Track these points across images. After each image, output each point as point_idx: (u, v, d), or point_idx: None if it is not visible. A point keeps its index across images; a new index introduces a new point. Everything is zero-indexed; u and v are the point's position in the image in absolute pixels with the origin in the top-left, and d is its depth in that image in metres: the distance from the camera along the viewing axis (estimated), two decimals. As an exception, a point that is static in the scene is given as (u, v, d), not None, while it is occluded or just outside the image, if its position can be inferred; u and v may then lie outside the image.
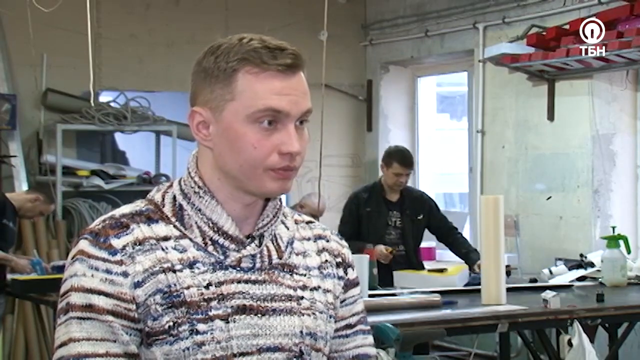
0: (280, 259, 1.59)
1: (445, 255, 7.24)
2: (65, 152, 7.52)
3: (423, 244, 6.32)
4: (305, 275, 1.61)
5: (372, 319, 3.99)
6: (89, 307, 1.48)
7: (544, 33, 6.69)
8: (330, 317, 1.63)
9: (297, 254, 1.63)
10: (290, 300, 1.57)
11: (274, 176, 1.52)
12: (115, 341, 1.48)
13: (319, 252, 1.66)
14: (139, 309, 1.49)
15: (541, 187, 7.04)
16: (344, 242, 1.73)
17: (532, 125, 7.11)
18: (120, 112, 7.63)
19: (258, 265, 1.56)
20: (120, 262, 1.49)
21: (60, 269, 5.96)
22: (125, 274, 1.49)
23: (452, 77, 8.89)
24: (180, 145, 8.00)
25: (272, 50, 1.51)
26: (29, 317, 6.85)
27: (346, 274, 1.69)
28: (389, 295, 4.82)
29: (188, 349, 1.49)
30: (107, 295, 1.48)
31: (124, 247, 1.50)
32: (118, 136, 8.28)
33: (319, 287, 1.62)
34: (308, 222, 1.70)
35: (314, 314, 1.59)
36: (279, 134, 1.51)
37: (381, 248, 5.73)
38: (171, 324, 1.49)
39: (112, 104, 7.74)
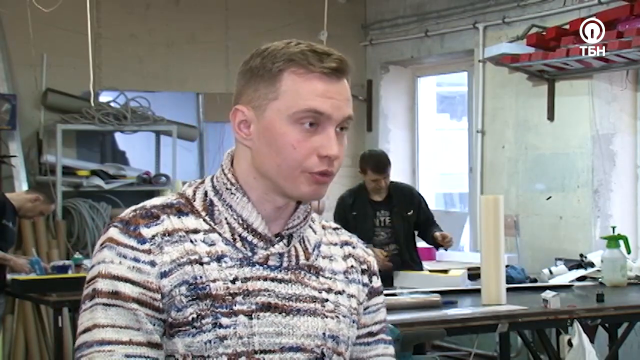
0: (307, 260, 1.60)
1: (445, 255, 7.24)
2: (65, 152, 7.52)
3: (424, 244, 6.29)
4: (330, 278, 1.61)
5: (372, 319, 4.00)
6: (115, 294, 1.48)
7: (544, 33, 6.69)
8: (353, 322, 1.62)
9: (323, 257, 1.63)
10: (314, 301, 1.57)
11: (310, 179, 1.52)
12: (139, 329, 1.48)
13: (345, 257, 1.66)
14: (164, 299, 1.49)
15: (541, 187, 7.04)
16: (369, 251, 1.73)
17: (532, 125, 7.11)
18: (120, 112, 7.63)
19: (285, 264, 1.56)
20: (148, 251, 1.50)
21: (60, 269, 5.97)
22: (152, 263, 1.50)
23: (452, 77, 8.89)
24: (180, 145, 8.01)
25: (319, 54, 1.53)
26: (29, 317, 6.84)
27: (371, 282, 1.69)
28: (389, 295, 4.82)
29: (210, 341, 1.49)
30: (133, 283, 1.49)
31: (153, 237, 1.51)
32: (118, 136, 8.29)
33: (344, 291, 1.62)
34: (335, 229, 1.70)
35: (337, 317, 1.58)
36: (319, 136, 1.52)
37: (377, 255, 5.68)
38: (195, 315, 1.49)
39: (112, 104, 7.74)
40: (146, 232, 1.51)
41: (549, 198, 6.97)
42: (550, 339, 5.01)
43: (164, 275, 1.50)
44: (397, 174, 8.66)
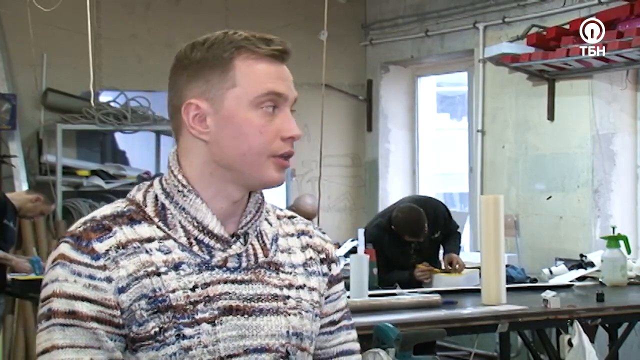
0: (266, 257, 1.57)
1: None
2: (65, 152, 7.52)
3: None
4: (290, 273, 1.59)
5: (372, 319, 4.00)
6: (72, 314, 1.45)
7: (544, 33, 6.69)
8: (315, 316, 1.61)
9: (282, 252, 1.60)
10: (276, 300, 1.55)
11: (276, 164, 1.51)
12: (99, 348, 1.45)
13: (303, 248, 1.64)
14: (124, 314, 1.46)
15: (541, 187, 7.04)
16: (327, 237, 1.71)
17: (532, 125, 7.11)
18: (120, 112, 7.63)
19: (244, 264, 1.54)
20: (103, 267, 1.46)
21: (60, 268, 5.96)
22: (109, 280, 1.45)
23: (452, 77, 8.89)
24: (180, 145, 8.00)
25: (263, 39, 1.53)
26: (29, 317, 6.85)
27: (330, 270, 1.67)
28: (389, 295, 4.82)
29: (175, 354, 1.47)
30: (90, 301, 1.45)
31: (107, 252, 1.46)
32: (118, 136, 8.29)
33: (305, 285, 1.60)
34: (290, 217, 1.68)
35: (300, 313, 1.57)
36: (278, 119, 1.51)
37: (422, 269, 5.83)
38: (157, 329, 1.46)
39: (112, 104, 7.74)
40: (99, 246, 1.46)
41: (549, 198, 6.97)
42: (550, 339, 5.01)
43: (121, 290, 1.46)
44: (397, 174, 8.67)
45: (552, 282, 5.62)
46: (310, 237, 1.67)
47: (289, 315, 1.56)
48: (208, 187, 1.53)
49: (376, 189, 8.61)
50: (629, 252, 5.70)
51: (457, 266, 5.94)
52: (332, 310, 1.68)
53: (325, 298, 1.66)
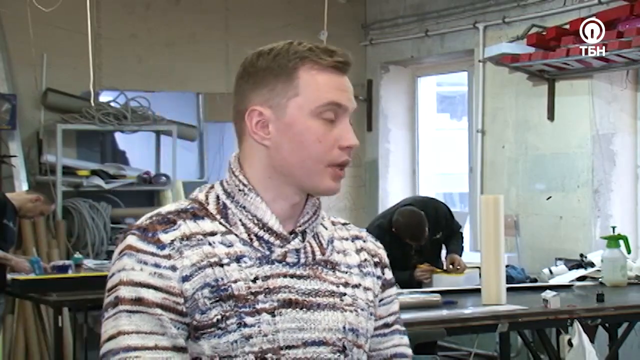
0: (323, 255, 1.62)
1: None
2: (65, 152, 7.52)
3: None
4: (346, 272, 1.64)
5: (372, 319, 4.00)
6: (138, 301, 1.50)
7: (544, 33, 6.69)
8: (370, 315, 1.66)
9: (338, 252, 1.66)
10: (333, 296, 1.59)
11: (333, 174, 1.58)
12: (164, 334, 1.50)
13: (358, 251, 1.70)
14: (187, 302, 1.51)
15: (541, 187, 7.04)
16: (379, 244, 1.76)
17: (532, 125, 7.11)
18: (120, 112, 7.63)
19: (303, 260, 1.59)
20: (168, 256, 1.52)
21: (60, 268, 5.96)
22: (173, 268, 1.51)
23: (452, 77, 8.89)
24: (180, 145, 8.01)
25: (326, 50, 1.58)
26: (29, 317, 6.85)
27: (383, 274, 1.73)
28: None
29: (236, 341, 1.51)
30: (156, 288, 1.51)
31: (171, 242, 1.53)
32: (118, 136, 8.29)
33: (360, 284, 1.65)
34: (344, 224, 1.74)
35: (355, 310, 1.62)
36: (337, 129, 1.57)
37: (423, 269, 5.84)
38: (219, 317, 1.51)
39: (112, 104, 7.74)
40: (164, 237, 1.53)
41: (549, 198, 6.96)
42: (550, 339, 5.01)
43: (185, 279, 1.51)
44: (397, 174, 8.67)
45: (552, 282, 5.62)
46: (364, 241, 1.73)
47: (345, 311, 1.60)
48: (267, 190, 1.59)
49: (376, 189, 8.61)
50: (629, 252, 5.70)
51: (458, 267, 5.94)
52: (386, 314, 1.73)
53: (380, 301, 1.71)
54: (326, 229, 1.67)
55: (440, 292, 4.83)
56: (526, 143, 7.17)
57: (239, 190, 1.59)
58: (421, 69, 8.68)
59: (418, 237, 5.75)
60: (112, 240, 7.63)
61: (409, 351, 1.76)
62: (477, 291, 4.86)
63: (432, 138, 8.83)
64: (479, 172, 7.58)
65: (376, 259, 1.72)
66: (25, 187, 7.12)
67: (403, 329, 1.76)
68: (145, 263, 1.51)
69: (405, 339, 1.75)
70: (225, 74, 8.18)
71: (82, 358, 6.61)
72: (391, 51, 8.50)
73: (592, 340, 4.60)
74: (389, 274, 1.74)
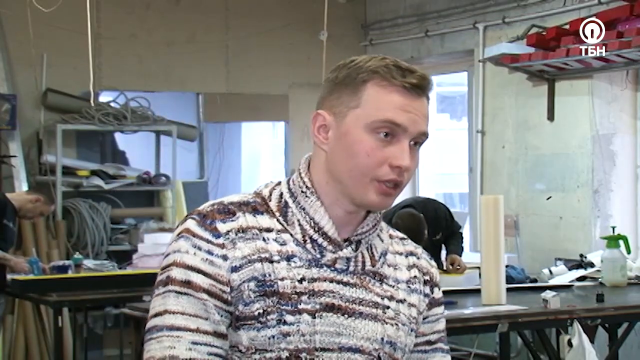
0: (373, 266, 1.65)
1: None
2: (65, 152, 7.52)
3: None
4: (393, 286, 1.67)
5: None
6: (188, 284, 1.55)
7: (544, 33, 6.69)
8: (411, 331, 1.67)
9: (389, 266, 1.68)
10: (376, 307, 1.62)
11: (378, 188, 1.58)
12: (207, 319, 1.54)
13: (409, 267, 1.72)
14: (233, 292, 1.55)
15: (541, 187, 7.04)
16: (433, 262, 1.79)
17: (532, 125, 7.11)
18: (120, 112, 7.63)
19: (352, 268, 1.62)
20: (222, 246, 1.56)
21: (60, 269, 5.97)
22: (225, 257, 1.56)
23: (452, 77, 8.89)
24: (180, 145, 8.01)
25: (402, 70, 1.61)
26: (29, 317, 6.85)
27: (432, 292, 1.74)
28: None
29: (274, 337, 1.55)
30: (205, 274, 1.55)
31: (227, 232, 1.57)
32: (118, 136, 8.29)
33: (405, 300, 1.67)
34: (402, 239, 1.77)
35: (396, 324, 1.64)
36: (393, 147, 1.58)
37: None
38: (261, 311, 1.55)
39: (112, 104, 7.74)
40: (222, 227, 1.57)
41: (549, 198, 6.97)
42: (550, 339, 5.01)
43: (234, 269, 1.55)
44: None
45: (552, 282, 5.62)
46: (418, 258, 1.76)
47: (386, 324, 1.62)
48: (327, 194, 1.62)
49: (376, 189, 8.60)
50: (628, 252, 5.70)
51: (458, 267, 5.94)
52: (430, 331, 1.74)
53: (424, 318, 1.73)
54: (382, 241, 1.70)
55: (440, 292, 4.83)
56: (526, 143, 7.17)
57: (302, 191, 1.62)
58: (421, 69, 8.67)
59: (417, 240, 5.72)
60: (112, 240, 7.63)
61: None
62: (477, 291, 4.86)
63: (432, 138, 8.79)
64: (479, 173, 7.58)
65: (427, 277, 1.74)
66: (25, 187, 7.12)
67: (446, 347, 1.77)
68: (200, 248, 1.56)
69: (448, 358, 1.77)
70: (225, 74, 8.19)
71: (82, 358, 6.61)
72: (391, 51, 8.50)
73: (592, 341, 4.60)
74: (438, 294, 1.76)
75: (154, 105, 7.86)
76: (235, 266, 1.56)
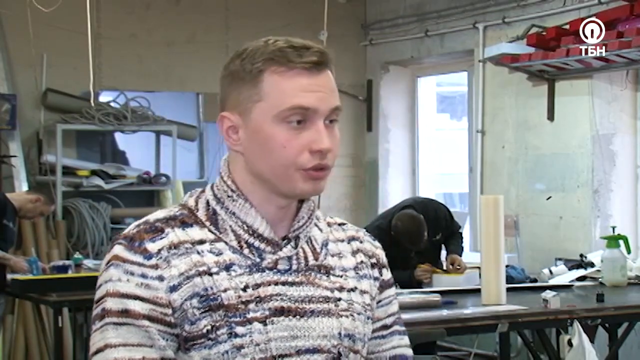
0: (317, 260, 1.59)
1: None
2: (65, 152, 7.52)
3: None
4: (341, 276, 1.61)
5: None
6: (125, 313, 1.47)
7: (544, 33, 6.69)
8: (367, 319, 1.62)
9: (332, 256, 1.62)
10: (327, 301, 1.56)
11: (305, 176, 1.51)
12: (152, 346, 1.47)
13: (354, 253, 1.66)
14: (175, 313, 1.48)
15: (541, 187, 7.04)
16: (377, 243, 1.72)
17: (532, 125, 7.11)
18: (120, 112, 7.63)
19: (295, 267, 1.56)
20: (155, 266, 1.48)
21: (60, 269, 5.97)
22: (160, 278, 1.48)
23: (452, 77, 8.89)
24: (180, 145, 8.01)
25: (297, 49, 1.52)
26: (29, 317, 6.84)
27: (381, 275, 1.69)
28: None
29: (227, 352, 1.48)
30: (143, 299, 1.48)
31: (159, 251, 1.49)
32: (118, 136, 8.29)
33: (356, 288, 1.62)
34: (340, 224, 1.69)
35: (351, 315, 1.58)
36: (308, 132, 1.51)
37: (423, 269, 5.82)
38: (209, 327, 1.48)
39: (112, 104, 7.74)
40: (152, 246, 1.50)
41: (549, 198, 6.96)
42: (550, 339, 5.01)
43: (173, 289, 1.48)
44: (397, 174, 8.67)
45: (552, 282, 5.62)
46: (361, 242, 1.68)
47: (341, 317, 1.56)
48: (253, 193, 1.55)
49: (376, 189, 8.61)
50: (628, 252, 5.70)
51: (458, 267, 5.94)
52: (384, 315, 1.69)
53: (378, 302, 1.67)
54: (321, 231, 1.63)
55: (440, 292, 4.83)
56: (526, 143, 7.17)
57: (228, 196, 1.55)
58: (421, 69, 8.68)
59: (417, 242, 5.76)
60: (112, 240, 7.62)
61: (409, 352, 1.72)
62: (477, 291, 4.86)
63: (432, 138, 8.83)
64: (479, 172, 7.58)
65: (373, 260, 1.68)
66: (25, 187, 7.12)
67: (403, 329, 1.72)
68: (132, 274, 1.48)
69: (406, 340, 1.72)
70: (225, 74, 8.17)
71: (82, 358, 6.61)
72: (391, 51, 8.50)
73: (592, 340, 4.60)
74: (387, 274, 1.70)
75: (154, 105, 7.86)
76: (174, 285, 1.48)
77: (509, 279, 5.17)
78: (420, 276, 5.84)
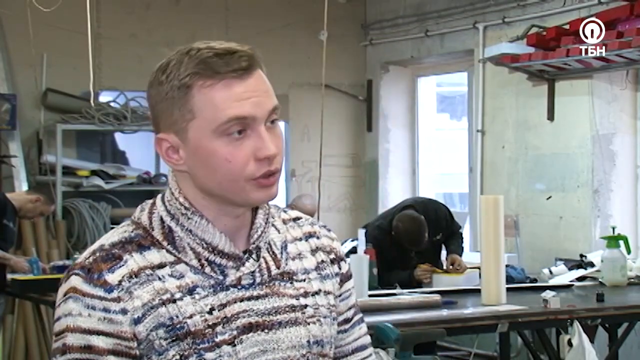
0: (278, 268, 1.55)
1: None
2: (65, 152, 7.52)
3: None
4: (304, 280, 1.58)
5: (372, 319, 4.00)
6: (88, 349, 1.42)
7: (544, 33, 6.69)
8: (333, 320, 1.61)
9: (293, 259, 1.59)
10: (294, 310, 1.54)
11: (256, 185, 1.46)
12: None
13: (313, 252, 1.63)
14: (141, 345, 1.44)
15: (541, 187, 7.04)
16: (332, 234, 1.68)
17: (532, 125, 7.11)
18: (120, 112, 7.63)
19: (258, 279, 1.52)
20: (117, 299, 1.43)
21: (60, 268, 5.96)
22: (124, 311, 1.43)
23: (452, 77, 8.89)
24: (180, 145, 8.01)
25: (222, 57, 1.45)
26: (29, 317, 6.85)
27: (340, 269, 1.66)
28: (389, 295, 4.82)
29: None
30: (106, 334, 1.43)
31: (119, 282, 1.44)
32: (118, 136, 8.29)
33: (320, 290, 1.60)
34: (295, 219, 1.65)
35: (318, 320, 1.57)
36: (250, 140, 1.45)
37: (423, 269, 5.81)
38: (178, 357, 1.44)
39: (112, 104, 7.74)
40: (111, 278, 1.44)
41: (549, 198, 6.96)
42: (550, 339, 5.01)
43: (137, 321, 1.43)
44: (397, 174, 8.67)
45: (552, 282, 5.62)
46: (318, 238, 1.65)
47: (308, 324, 1.55)
48: (207, 208, 1.50)
49: (376, 189, 8.61)
50: (628, 252, 5.70)
51: (458, 267, 5.95)
52: (346, 308, 1.67)
53: (339, 296, 1.65)
54: (279, 231, 1.59)
55: (440, 292, 4.83)
56: (526, 143, 7.17)
57: (182, 213, 1.49)
58: (421, 69, 8.69)
59: (418, 243, 5.76)
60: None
61: (368, 339, 1.71)
62: (477, 291, 4.86)
63: (432, 138, 8.83)
64: (479, 172, 7.58)
65: (332, 256, 1.64)
66: (25, 187, 7.12)
67: (361, 316, 1.70)
68: (93, 308, 1.42)
69: (364, 327, 1.70)
70: (225, 74, 8.16)
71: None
72: (391, 51, 8.50)
73: (592, 340, 4.60)
74: (345, 267, 1.66)
75: (154, 105, 7.85)
76: (138, 317, 1.43)
77: (509, 279, 5.17)
78: (420, 276, 5.84)
